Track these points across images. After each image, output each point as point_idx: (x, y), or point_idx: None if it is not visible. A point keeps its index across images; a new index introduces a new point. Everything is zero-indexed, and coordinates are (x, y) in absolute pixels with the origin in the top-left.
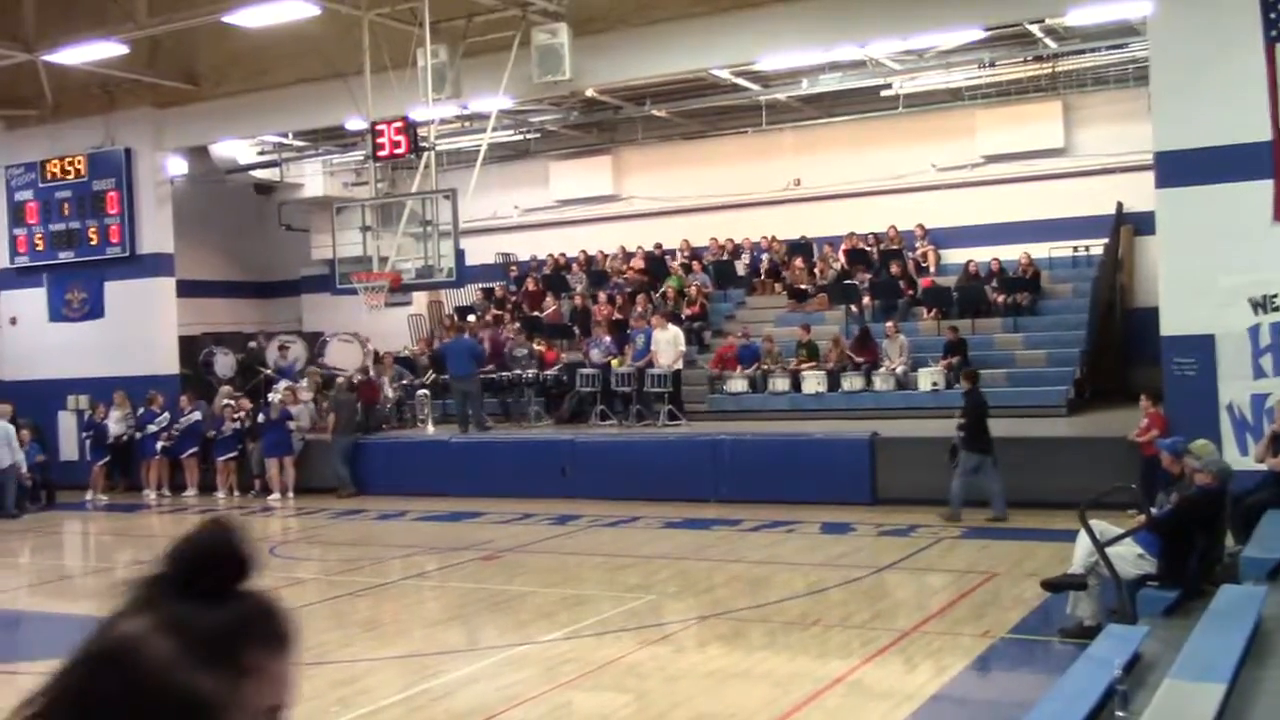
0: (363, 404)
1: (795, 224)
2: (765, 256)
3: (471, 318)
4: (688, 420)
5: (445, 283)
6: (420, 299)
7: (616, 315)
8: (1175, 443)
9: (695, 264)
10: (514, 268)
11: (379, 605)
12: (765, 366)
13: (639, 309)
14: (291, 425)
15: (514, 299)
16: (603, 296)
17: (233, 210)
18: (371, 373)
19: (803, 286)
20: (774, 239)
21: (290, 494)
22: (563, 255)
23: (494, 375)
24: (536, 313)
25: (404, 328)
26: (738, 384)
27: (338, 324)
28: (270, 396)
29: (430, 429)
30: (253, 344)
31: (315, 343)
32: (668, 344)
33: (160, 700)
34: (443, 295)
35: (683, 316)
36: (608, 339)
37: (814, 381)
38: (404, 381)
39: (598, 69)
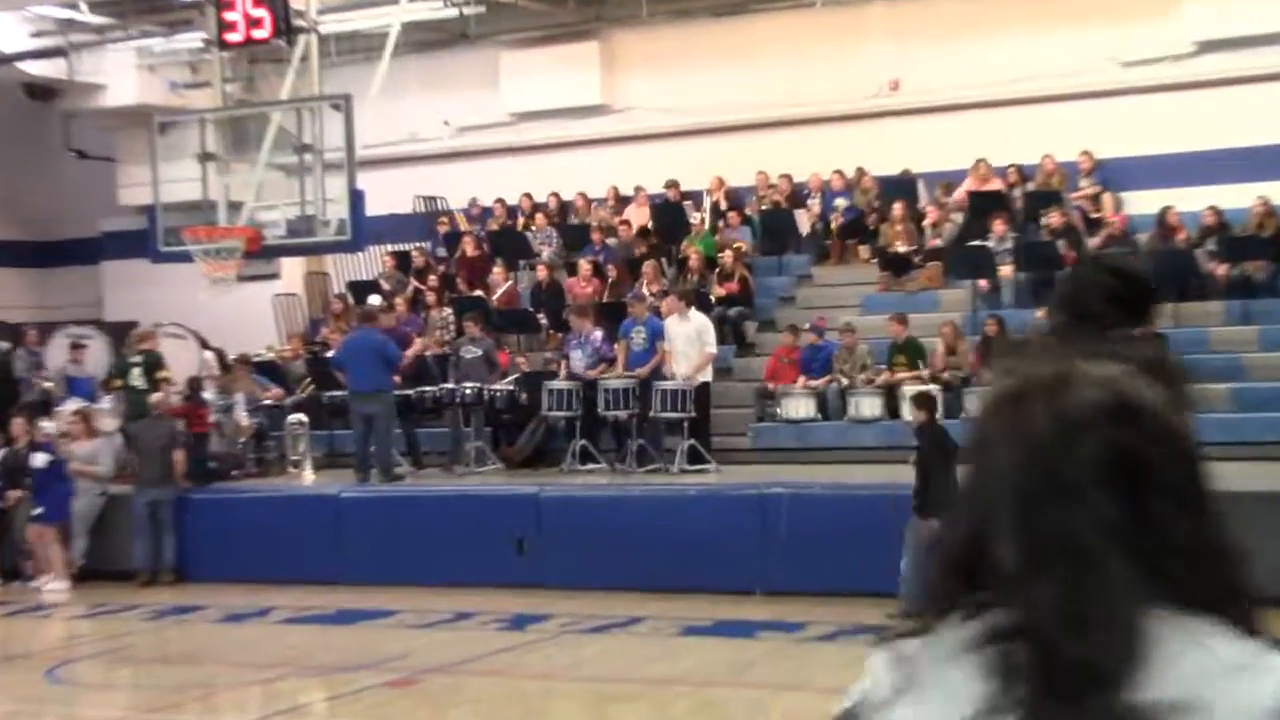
0: (189, 438)
1: (891, 151)
2: (842, 202)
3: (375, 299)
4: (719, 464)
5: (333, 244)
6: (293, 270)
7: (607, 297)
8: None
9: (732, 215)
10: (443, 220)
11: None
12: (843, 377)
13: (643, 286)
14: (75, 472)
15: (443, 269)
16: (584, 266)
17: None
18: (207, 389)
19: (902, 250)
20: (859, 175)
21: (66, 580)
22: (525, 200)
23: (412, 392)
24: (478, 292)
25: (267, 316)
26: (800, 405)
27: (161, 309)
28: (46, 426)
29: (308, 476)
30: (3, 343)
31: (126, 340)
32: (688, 342)
33: None
34: (330, 264)
35: (712, 299)
36: (595, 334)
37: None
38: (267, 401)
39: None
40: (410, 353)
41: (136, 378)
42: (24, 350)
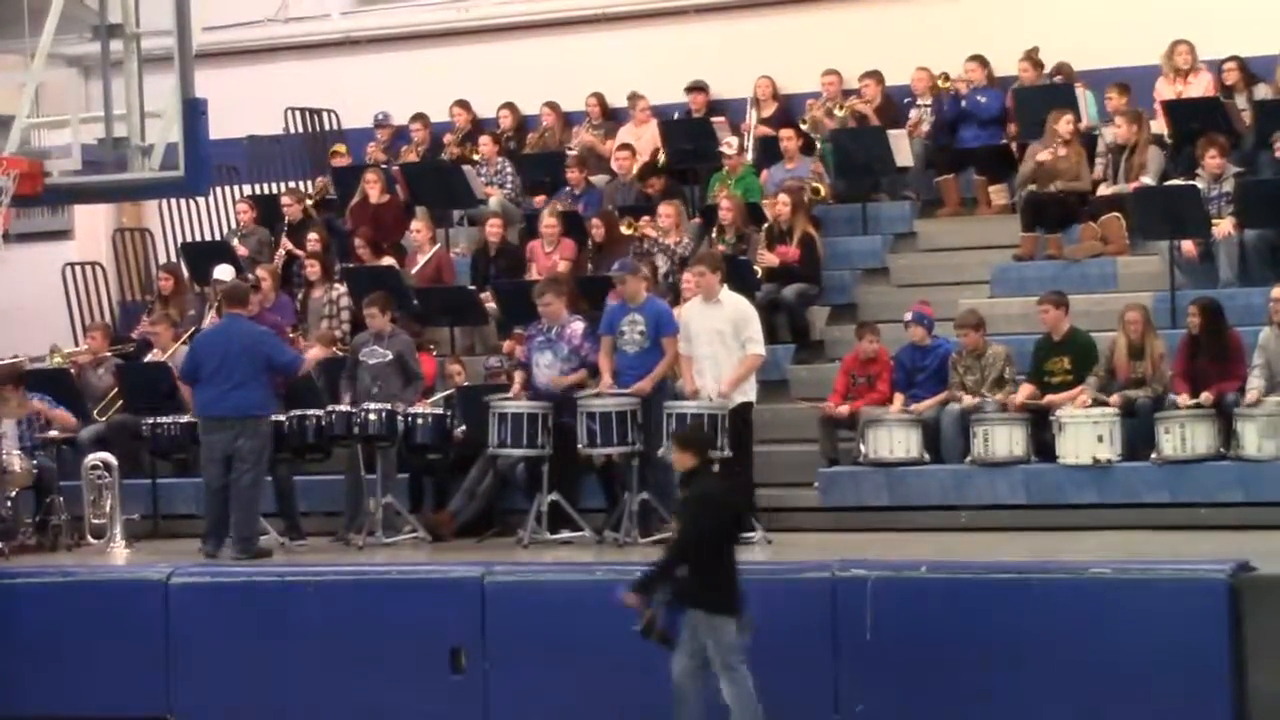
0: None
1: (1029, 32)
2: (966, 105)
3: (225, 270)
4: (770, 532)
5: (158, 183)
6: (95, 225)
7: (588, 268)
8: None
9: (788, 137)
10: (335, 149)
11: None
12: (964, 395)
13: (646, 245)
14: None
15: (332, 225)
16: (548, 223)
17: None
18: None
19: (1059, 189)
20: (981, 70)
21: None
22: (460, 113)
23: (284, 419)
24: (388, 260)
25: (53, 297)
26: (895, 440)
27: None
28: None
29: (119, 552)
30: None
31: None
32: (718, 340)
33: None
34: (153, 216)
35: (757, 271)
36: (574, 325)
37: (1084, 435)
38: (52, 433)
39: None
40: (310, 357)
41: None
42: None
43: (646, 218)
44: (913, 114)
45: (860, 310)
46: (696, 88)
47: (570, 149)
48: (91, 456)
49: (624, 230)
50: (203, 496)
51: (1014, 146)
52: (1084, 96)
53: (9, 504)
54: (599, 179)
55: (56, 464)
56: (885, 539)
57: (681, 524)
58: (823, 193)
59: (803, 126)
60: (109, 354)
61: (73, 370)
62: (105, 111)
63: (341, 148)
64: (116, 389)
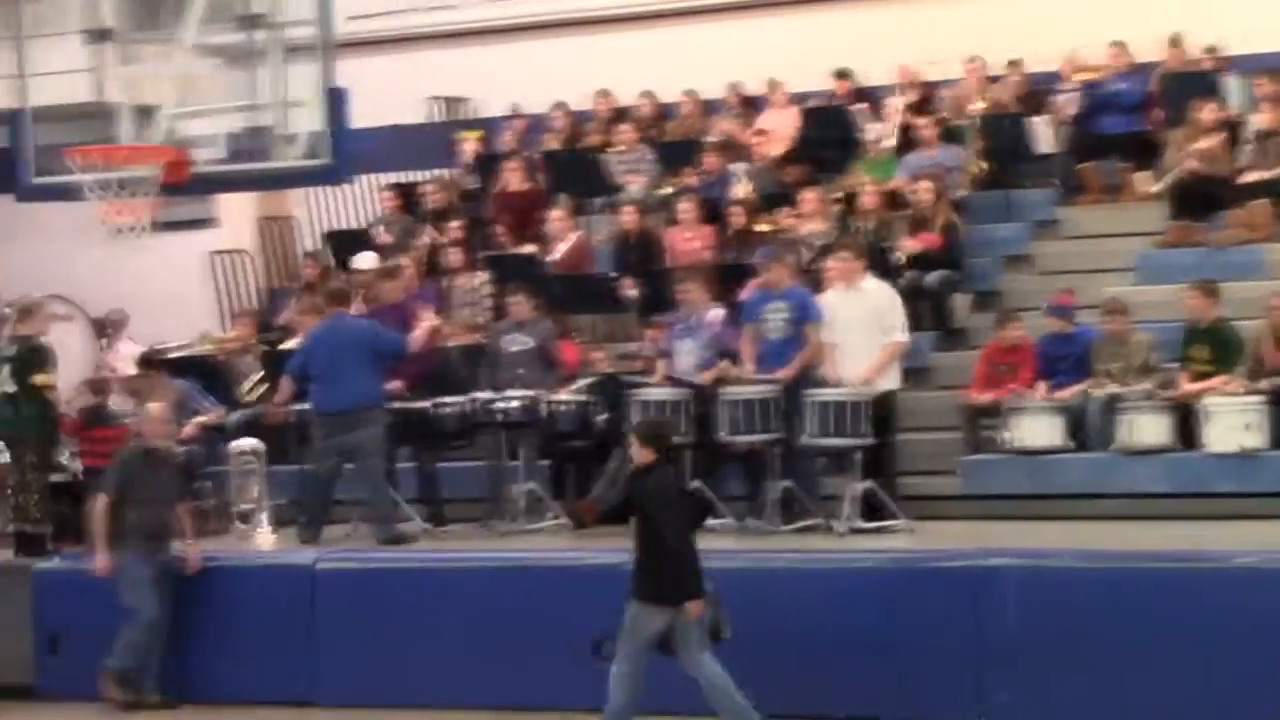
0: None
1: (1174, 11)
2: (1107, 92)
3: (368, 257)
4: (912, 520)
5: (302, 172)
6: (240, 214)
7: (729, 254)
8: None
9: (926, 125)
10: (472, 139)
11: None
12: (1109, 384)
13: (787, 230)
14: None
15: (474, 213)
16: (685, 209)
17: None
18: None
19: (1204, 176)
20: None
21: None
22: (601, 102)
23: (428, 406)
24: (529, 248)
25: (199, 285)
26: (1039, 428)
27: (33, 275)
28: None
29: (264, 536)
30: None
31: None
32: (861, 327)
33: None
34: (297, 204)
35: (899, 259)
36: (713, 313)
37: (1230, 424)
38: (199, 419)
39: None
40: (417, 334)
41: (6, 380)
42: None
43: (785, 209)
44: (1056, 100)
45: (1003, 297)
46: (841, 74)
47: (706, 136)
48: (238, 442)
49: (760, 229)
50: (307, 488)
51: (1157, 133)
52: (1230, 82)
53: None
54: (738, 166)
55: (203, 450)
56: (1027, 528)
57: (662, 516)
58: (985, 168)
59: (942, 112)
60: (253, 342)
61: (220, 357)
62: (250, 101)
63: (469, 135)
64: (262, 377)
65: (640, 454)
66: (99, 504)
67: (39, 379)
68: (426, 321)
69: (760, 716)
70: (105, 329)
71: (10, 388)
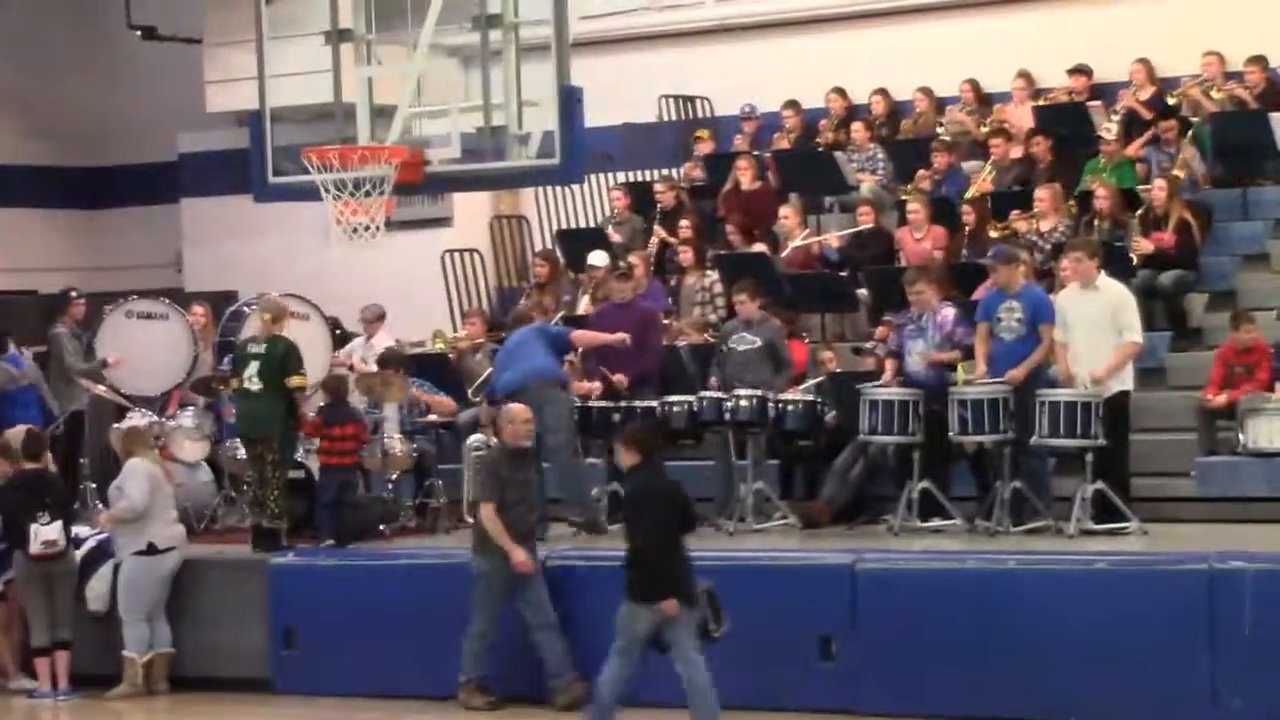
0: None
1: None
2: None
3: (599, 256)
4: (1145, 521)
5: (535, 171)
6: (474, 213)
7: (964, 254)
8: None
9: (1166, 125)
10: (703, 137)
11: None
12: None
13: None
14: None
15: (709, 212)
16: (914, 208)
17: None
18: (320, 395)
19: None
20: None
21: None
22: (834, 100)
23: (656, 404)
24: (759, 246)
25: (433, 284)
26: (1275, 429)
27: (270, 275)
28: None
29: None
30: (61, 327)
31: (219, 319)
32: (1095, 328)
33: None
34: (530, 203)
35: (1133, 258)
36: (945, 312)
37: None
38: (432, 417)
39: None
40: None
41: (251, 378)
42: (66, 329)
43: (1016, 212)
44: None
45: (1240, 297)
46: (1079, 70)
47: (940, 129)
48: (472, 439)
49: (992, 234)
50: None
51: None
52: None
53: (390, 487)
54: (970, 165)
55: (436, 447)
56: (1264, 531)
57: (639, 520)
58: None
59: (1170, 101)
60: (484, 341)
61: (452, 355)
62: (484, 100)
63: (704, 133)
64: (491, 374)
65: (625, 457)
66: (485, 510)
67: (295, 380)
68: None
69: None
70: (361, 325)
71: (256, 385)
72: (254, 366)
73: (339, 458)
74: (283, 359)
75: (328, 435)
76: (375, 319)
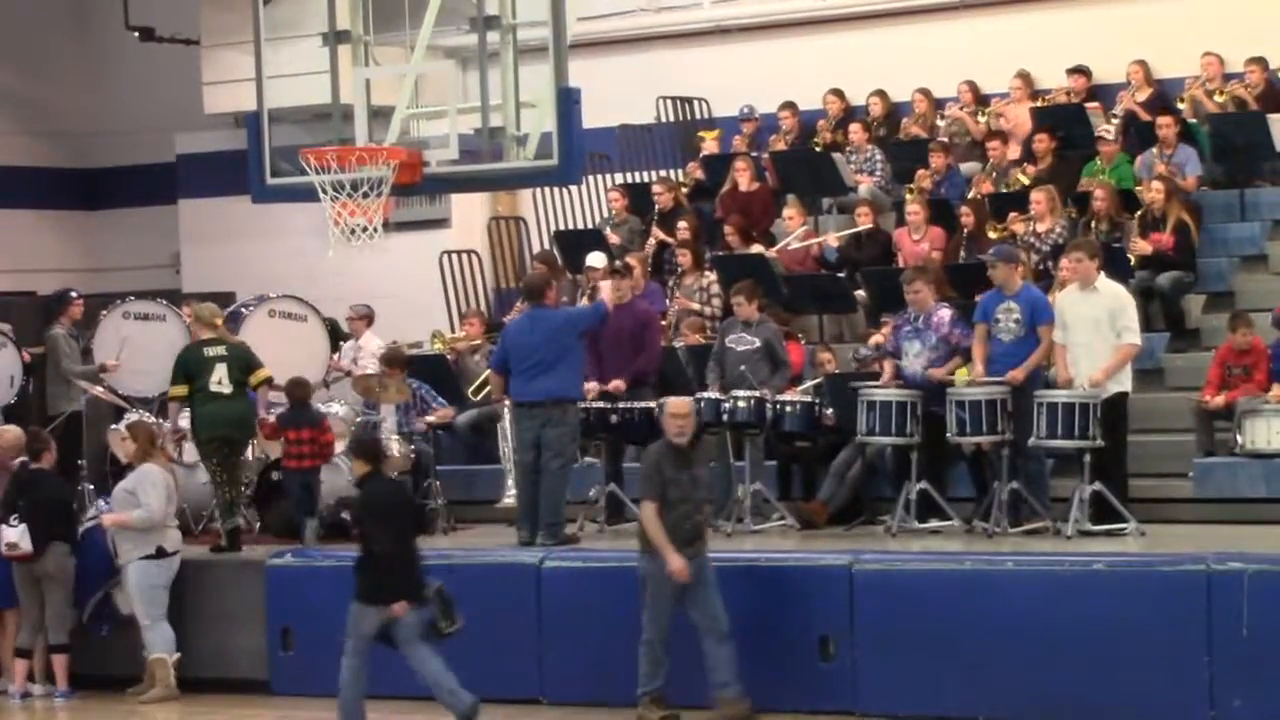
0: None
1: None
2: None
3: (598, 258)
4: (1143, 523)
5: (533, 172)
6: (471, 214)
7: (960, 255)
8: None
9: (1165, 124)
10: (706, 137)
11: None
12: None
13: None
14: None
15: (707, 213)
16: (912, 210)
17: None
18: (334, 396)
19: None
20: None
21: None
22: (832, 101)
23: (654, 406)
24: (757, 247)
25: (431, 285)
26: (1273, 430)
27: (268, 276)
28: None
29: (496, 534)
30: (58, 328)
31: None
32: (1093, 329)
33: None
34: (527, 204)
35: (1131, 259)
36: (942, 313)
37: None
38: (430, 419)
39: None
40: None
41: (222, 380)
42: (64, 330)
43: (1014, 213)
44: None
45: (1238, 298)
46: (1078, 70)
47: (940, 125)
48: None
49: (991, 235)
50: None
51: None
52: None
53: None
54: (968, 166)
55: (433, 449)
56: (1262, 532)
57: (366, 525)
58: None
59: (1179, 106)
60: (482, 342)
61: (450, 356)
62: (482, 102)
63: (708, 134)
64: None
65: (356, 467)
66: (646, 510)
67: (262, 374)
68: (607, 289)
69: (474, 699)
70: (347, 324)
71: (227, 388)
72: (222, 369)
73: (297, 461)
74: (247, 358)
75: (285, 439)
76: (360, 318)
